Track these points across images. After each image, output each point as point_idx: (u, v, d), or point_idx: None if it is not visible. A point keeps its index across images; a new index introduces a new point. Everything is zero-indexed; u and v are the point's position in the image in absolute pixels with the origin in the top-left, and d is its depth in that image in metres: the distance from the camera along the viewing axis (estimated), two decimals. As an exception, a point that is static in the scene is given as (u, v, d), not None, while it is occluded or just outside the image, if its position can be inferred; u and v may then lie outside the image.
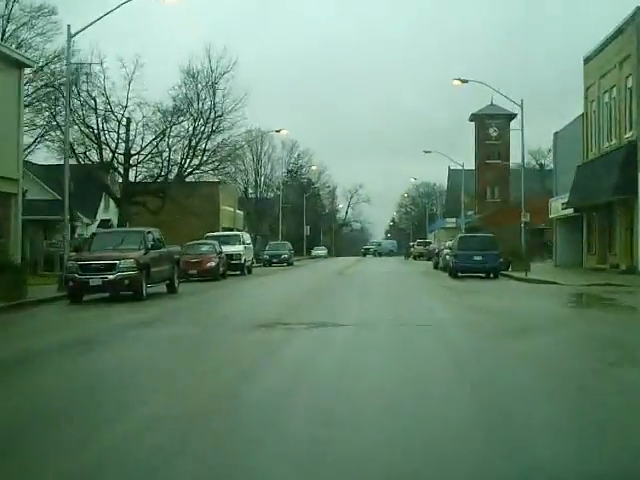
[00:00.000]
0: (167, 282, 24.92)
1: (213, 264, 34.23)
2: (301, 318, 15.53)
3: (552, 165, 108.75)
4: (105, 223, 53.34)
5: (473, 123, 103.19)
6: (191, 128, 42.79)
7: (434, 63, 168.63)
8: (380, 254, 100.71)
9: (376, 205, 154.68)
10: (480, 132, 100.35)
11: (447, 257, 39.76)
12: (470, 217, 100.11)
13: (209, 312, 18.17)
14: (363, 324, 14.36)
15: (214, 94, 43.39)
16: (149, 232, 24.23)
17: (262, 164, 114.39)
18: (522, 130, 39.99)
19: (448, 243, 43.38)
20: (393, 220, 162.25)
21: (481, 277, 33.47)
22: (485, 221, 73.33)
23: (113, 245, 23.24)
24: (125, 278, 21.39)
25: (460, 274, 34.03)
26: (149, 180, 43.32)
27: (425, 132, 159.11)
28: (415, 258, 78.04)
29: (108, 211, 55.09)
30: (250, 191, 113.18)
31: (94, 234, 26.21)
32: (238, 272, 38.89)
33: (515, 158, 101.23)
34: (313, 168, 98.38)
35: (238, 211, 68.00)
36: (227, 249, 37.90)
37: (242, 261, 38.96)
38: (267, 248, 61.48)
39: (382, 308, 18.12)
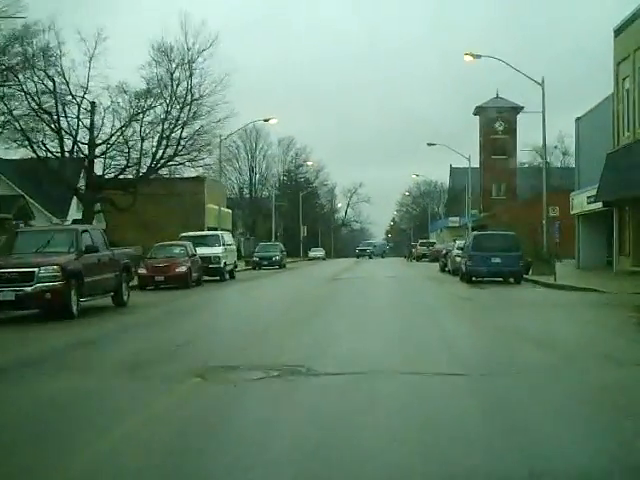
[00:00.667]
0: (112, 294, 19.74)
1: (183, 269, 28.99)
2: (263, 356, 10.35)
3: (558, 162, 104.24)
4: (78, 223, 48.28)
5: (477, 117, 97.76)
6: (164, 114, 37.43)
7: (437, 63, 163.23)
8: (371, 256, 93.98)
9: (376, 205, 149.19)
10: (485, 126, 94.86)
11: (457, 259, 34.56)
12: (475, 216, 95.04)
13: (136, 343, 12.84)
14: (355, 373, 9.06)
15: (191, 75, 38.14)
16: (84, 231, 18.97)
17: (257, 162, 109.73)
18: (543, 112, 34.68)
19: (458, 243, 38.14)
20: (393, 220, 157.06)
21: (498, 282, 28.28)
22: (493, 219, 67.92)
23: (37, 247, 17.98)
24: (46, 290, 16.20)
25: (474, 279, 28.82)
26: (117, 172, 37.86)
27: (427, 133, 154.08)
28: (417, 259, 72.82)
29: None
30: (245, 191, 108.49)
31: (17, 233, 20.92)
32: (217, 277, 33.65)
33: (522, 153, 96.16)
34: (309, 164, 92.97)
35: (226, 209, 62.65)
36: (204, 251, 32.71)
37: (221, 265, 33.65)
38: (257, 249, 56.21)
39: (384, 336, 12.79)
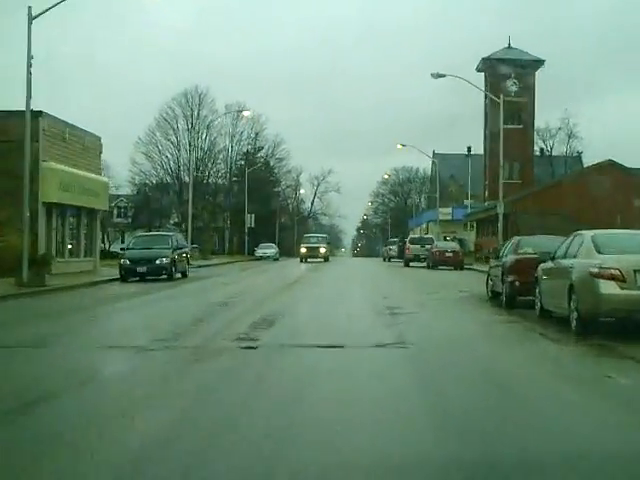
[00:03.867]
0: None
1: None
2: None
3: (562, 148, 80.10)
4: None
5: (482, 74, 72.97)
6: None
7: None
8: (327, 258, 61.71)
9: (348, 198, 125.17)
10: (493, 86, 69.16)
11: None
12: (477, 206, 71.44)
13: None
14: None
15: None
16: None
17: (198, 134, 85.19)
18: None
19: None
20: (366, 214, 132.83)
21: None
22: (526, 203, 43.37)
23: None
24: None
25: None
26: None
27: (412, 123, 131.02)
28: (407, 264, 48.29)
29: None
30: (183, 170, 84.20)
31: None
32: None
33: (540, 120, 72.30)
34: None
35: (99, 177, 37.26)
36: None
37: None
38: (129, 244, 31.42)
39: None
